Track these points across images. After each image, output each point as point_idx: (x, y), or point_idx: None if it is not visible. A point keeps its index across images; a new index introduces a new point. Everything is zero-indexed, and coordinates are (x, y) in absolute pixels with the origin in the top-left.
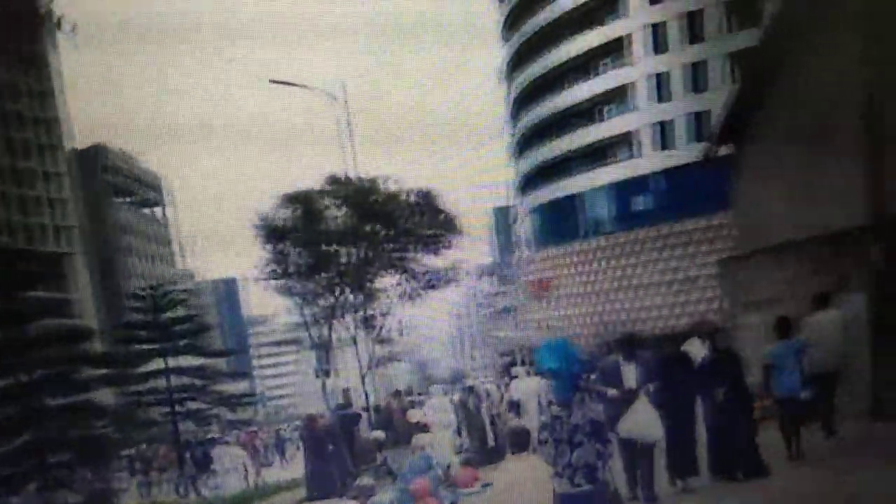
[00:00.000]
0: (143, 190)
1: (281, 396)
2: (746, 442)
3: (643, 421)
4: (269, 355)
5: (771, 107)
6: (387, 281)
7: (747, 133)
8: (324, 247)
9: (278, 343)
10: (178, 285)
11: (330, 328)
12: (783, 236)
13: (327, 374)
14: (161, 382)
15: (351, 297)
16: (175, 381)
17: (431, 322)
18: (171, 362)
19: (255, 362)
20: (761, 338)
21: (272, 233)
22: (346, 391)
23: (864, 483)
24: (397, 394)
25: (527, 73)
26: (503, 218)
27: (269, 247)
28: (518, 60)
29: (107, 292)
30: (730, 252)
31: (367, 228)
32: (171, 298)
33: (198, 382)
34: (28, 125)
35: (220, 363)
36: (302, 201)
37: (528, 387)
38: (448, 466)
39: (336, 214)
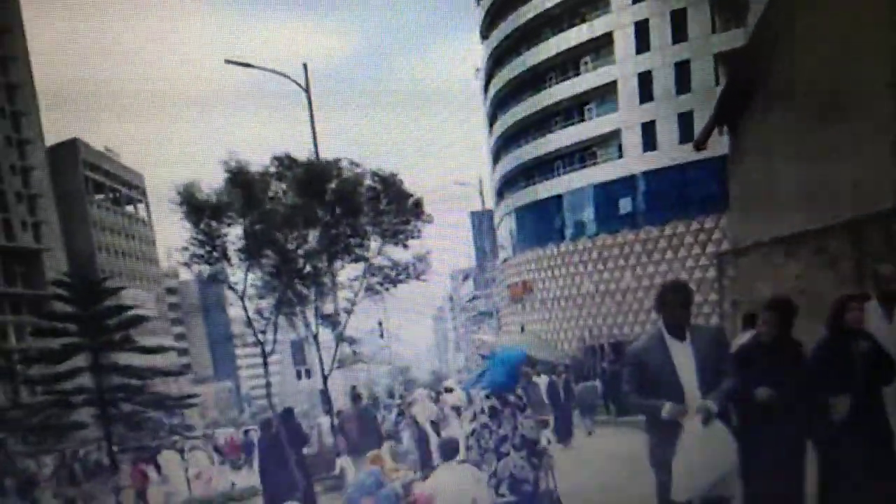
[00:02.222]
0: (123, 187)
1: (268, 396)
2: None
3: (698, 459)
4: (254, 355)
5: (773, 88)
6: (346, 274)
7: (746, 119)
8: (263, 229)
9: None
10: (161, 284)
11: (276, 325)
12: (794, 227)
13: (299, 375)
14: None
15: (304, 290)
16: (115, 380)
17: (411, 324)
18: (104, 359)
19: (239, 361)
20: None
21: (196, 208)
22: (323, 393)
23: None
24: (357, 398)
25: (506, 72)
26: (483, 221)
27: (190, 225)
28: (498, 59)
29: None
30: (731, 246)
31: (320, 213)
32: (102, 287)
33: (134, 382)
34: None
35: (158, 361)
36: (239, 181)
37: (459, 396)
38: (410, 483)
39: (282, 196)
